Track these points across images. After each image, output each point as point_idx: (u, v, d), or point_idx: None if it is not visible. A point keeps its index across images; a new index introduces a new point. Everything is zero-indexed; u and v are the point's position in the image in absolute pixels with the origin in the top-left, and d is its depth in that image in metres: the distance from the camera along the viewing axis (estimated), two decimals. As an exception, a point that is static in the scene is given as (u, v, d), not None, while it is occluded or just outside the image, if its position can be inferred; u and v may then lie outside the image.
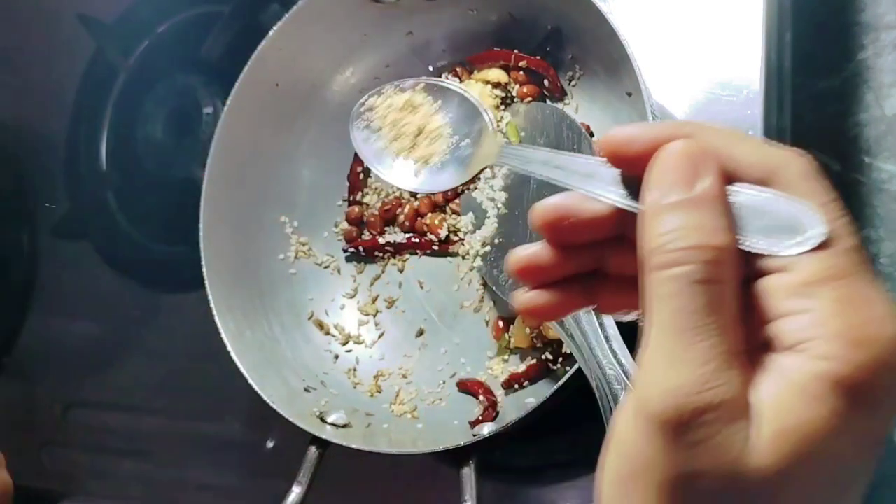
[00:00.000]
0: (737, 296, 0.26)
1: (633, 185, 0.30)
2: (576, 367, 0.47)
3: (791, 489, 0.25)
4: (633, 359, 0.41)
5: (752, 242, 0.27)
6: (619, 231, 0.32)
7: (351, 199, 0.66)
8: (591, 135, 0.56)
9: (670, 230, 0.27)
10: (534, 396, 0.55)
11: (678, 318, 0.26)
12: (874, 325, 0.25)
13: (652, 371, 0.26)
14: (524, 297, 0.33)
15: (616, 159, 0.30)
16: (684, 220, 0.27)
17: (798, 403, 0.25)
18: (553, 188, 0.54)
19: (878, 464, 0.26)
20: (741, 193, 0.27)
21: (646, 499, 0.27)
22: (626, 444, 0.28)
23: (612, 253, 0.32)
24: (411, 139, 0.42)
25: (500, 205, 0.58)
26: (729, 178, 0.28)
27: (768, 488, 0.25)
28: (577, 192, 0.31)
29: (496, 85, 0.61)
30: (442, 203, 0.63)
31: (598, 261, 0.33)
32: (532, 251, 0.33)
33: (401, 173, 0.42)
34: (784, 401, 0.25)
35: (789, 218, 0.26)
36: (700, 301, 0.26)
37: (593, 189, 0.31)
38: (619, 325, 0.43)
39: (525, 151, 0.36)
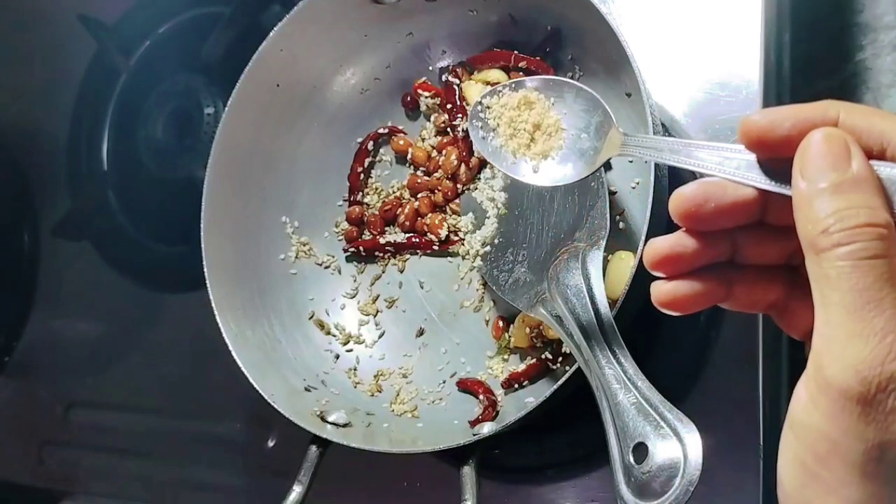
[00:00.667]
0: None
1: (773, 169, 0.30)
2: (575, 366, 0.47)
3: None
4: (633, 358, 0.41)
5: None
6: (759, 216, 0.32)
7: (351, 199, 0.66)
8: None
9: (833, 212, 0.28)
10: (533, 396, 0.55)
11: (852, 295, 0.27)
12: None
13: (831, 350, 0.27)
14: (665, 288, 0.34)
15: (757, 144, 0.31)
16: (845, 201, 0.28)
17: None
18: (552, 189, 0.54)
19: None
20: (888, 170, 0.28)
21: (842, 477, 0.27)
22: (811, 427, 0.28)
23: (750, 240, 0.33)
24: (528, 135, 0.42)
25: (500, 205, 0.58)
26: (877, 155, 0.29)
27: None
28: (714, 179, 0.32)
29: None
30: (442, 203, 0.63)
31: (734, 250, 0.34)
32: (671, 240, 0.33)
33: (521, 169, 0.42)
34: None
35: None
36: (871, 277, 0.27)
37: (735, 175, 0.31)
38: (619, 324, 0.44)
39: (652, 141, 0.36)
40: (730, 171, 0.32)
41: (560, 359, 0.56)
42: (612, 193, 0.56)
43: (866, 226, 0.27)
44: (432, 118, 0.64)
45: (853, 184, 0.28)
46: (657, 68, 0.57)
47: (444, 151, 0.63)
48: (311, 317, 0.64)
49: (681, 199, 0.32)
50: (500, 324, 0.60)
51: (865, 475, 0.27)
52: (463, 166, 0.62)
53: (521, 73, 0.60)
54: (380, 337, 0.64)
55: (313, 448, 0.55)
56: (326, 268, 0.66)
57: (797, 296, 0.33)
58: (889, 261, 0.27)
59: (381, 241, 0.64)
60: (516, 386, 0.57)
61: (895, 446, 0.26)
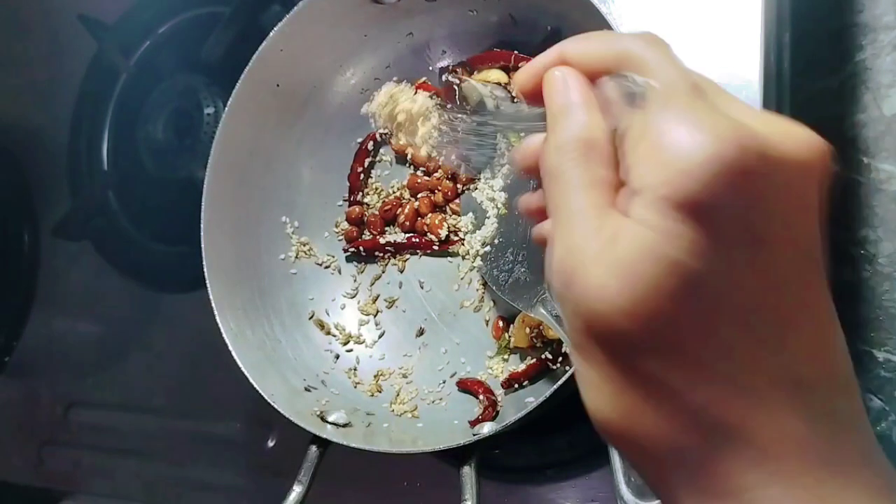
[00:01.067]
0: (607, 166, 0.29)
1: None
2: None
3: (653, 317, 0.26)
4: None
5: (613, 118, 0.30)
6: None
7: (351, 199, 0.66)
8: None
9: (551, 142, 0.31)
10: (533, 396, 0.55)
11: (562, 207, 0.29)
12: (677, 145, 0.26)
13: (548, 257, 0.29)
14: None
15: (531, 97, 0.34)
16: (562, 128, 0.30)
17: (634, 238, 0.26)
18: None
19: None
20: (609, 84, 0.30)
21: (590, 361, 0.28)
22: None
23: None
24: (410, 123, 0.44)
25: (500, 205, 0.58)
26: (599, 73, 0.31)
27: (634, 321, 0.26)
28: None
29: (496, 86, 0.61)
30: (442, 203, 0.63)
31: None
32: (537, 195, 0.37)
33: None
34: (627, 240, 0.26)
35: (630, 88, 0.29)
36: (568, 186, 0.29)
37: (536, 127, 0.34)
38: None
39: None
40: (534, 126, 0.34)
41: (560, 359, 0.56)
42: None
43: (561, 143, 0.30)
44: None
45: (566, 110, 0.30)
46: (657, 68, 0.57)
47: (444, 151, 0.63)
48: (311, 317, 0.64)
49: (518, 157, 0.35)
50: (500, 324, 0.60)
51: (587, 356, 0.28)
52: (463, 166, 0.62)
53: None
54: (380, 337, 0.64)
55: (313, 448, 0.55)
56: (326, 268, 0.66)
57: None
58: (585, 169, 0.29)
59: (381, 241, 0.64)
60: (516, 386, 0.57)
61: (591, 328, 0.27)
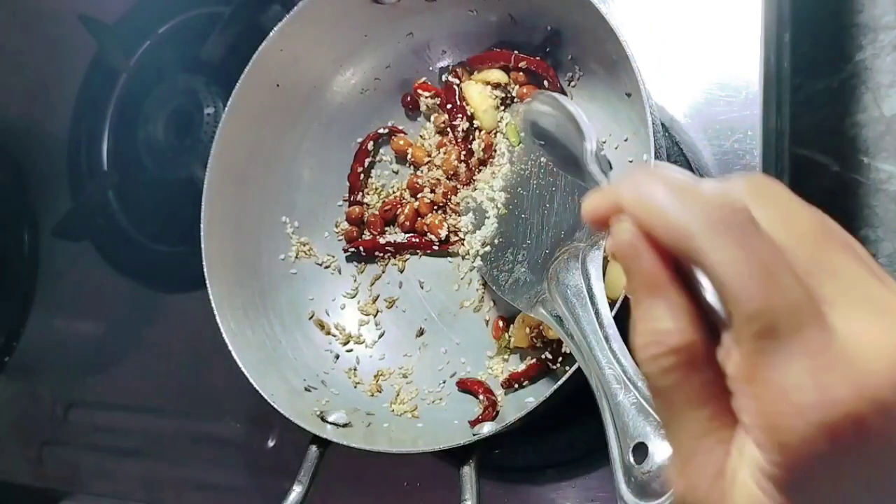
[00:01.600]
0: (704, 369, 0.25)
1: None
2: (575, 366, 0.47)
3: None
4: (633, 358, 0.41)
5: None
6: None
7: (351, 199, 0.66)
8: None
9: (637, 334, 0.26)
10: (533, 396, 0.55)
11: (670, 427, 0.26)
12: (789, 417, 0.23)
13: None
14: None
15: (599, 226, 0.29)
16: (640, 322, 0.26)
17: (753, 493, 0.25)
18: (552, 189, 0.54)
19: None
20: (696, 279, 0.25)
21: None
22: None
23: None
24: None
25: (500, 205, 0.58)
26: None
27: None
28: None
29: (496, 86, 0.61)
30: (442, 203, 0.63)
31: None
32: None
33: None
34: (743, 498, 0.25)
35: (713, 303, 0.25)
36: (668, 401, 0.26)
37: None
38: (619, 324, 0.44)
39: None
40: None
41: (560, 359, 0.56)
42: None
43: (655, 349, 0.25)
44: (432, 118, 0.64)
45: (637, 302, 0.25)
46: (657, 68, 0.57)
47: (443, 151, 0.63)
48: (311, 317, 0.64)
49: None
50: (500, 324, 0.60)
51: None
52: (463, 166, 0.62)
53: (521, 74, 0.60)
54: (380, 337, 0.64)
55: (313, 448, 0.55)
56: (326, 268, 0.66)
57: None
58: (679, 382, 0.25)
59: (381, 241, 0.64)
60: (516, 386, 0.57)
61: None
